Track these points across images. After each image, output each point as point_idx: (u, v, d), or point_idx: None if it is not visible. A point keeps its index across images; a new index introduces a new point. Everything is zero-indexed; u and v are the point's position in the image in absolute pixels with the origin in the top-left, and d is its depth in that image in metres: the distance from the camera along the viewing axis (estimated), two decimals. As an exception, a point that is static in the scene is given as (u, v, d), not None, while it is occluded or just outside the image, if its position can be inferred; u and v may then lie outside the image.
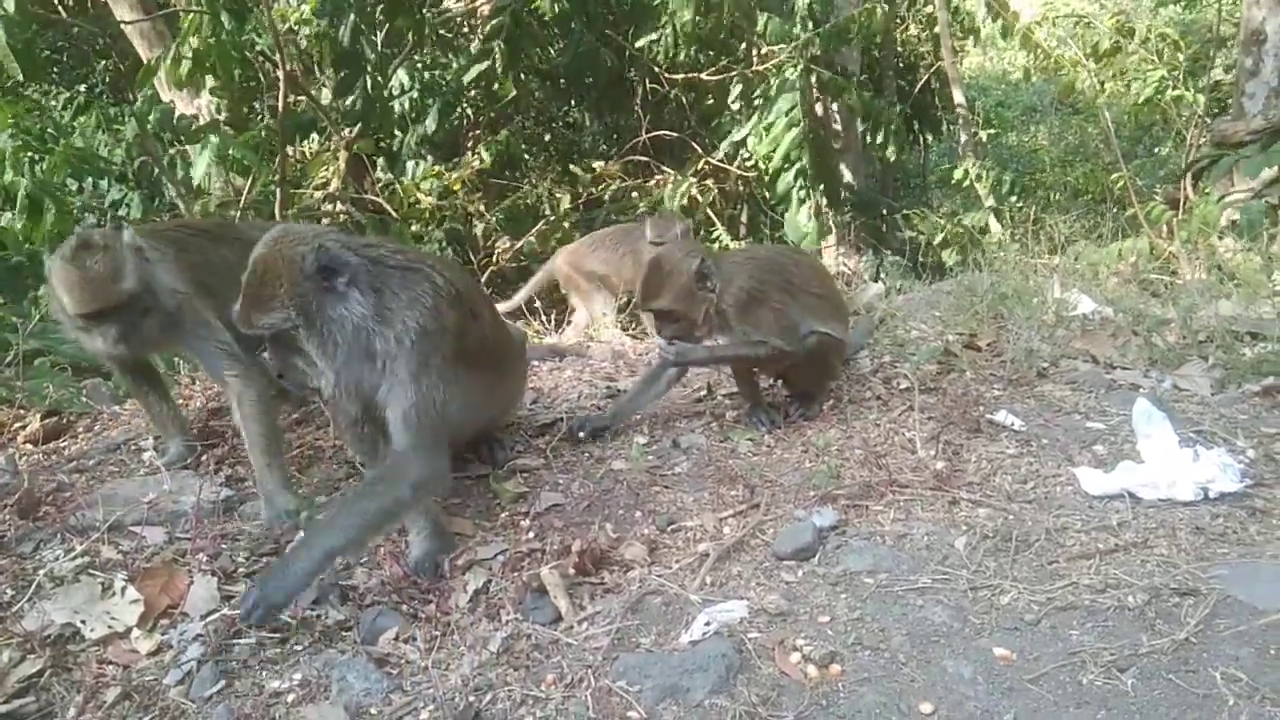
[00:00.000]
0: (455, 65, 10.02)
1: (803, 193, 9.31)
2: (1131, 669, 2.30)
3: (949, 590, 2.69)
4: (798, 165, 9.11)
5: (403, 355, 2.89)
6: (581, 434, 3.92)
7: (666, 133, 10.90)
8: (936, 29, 11.18)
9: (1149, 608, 2.54)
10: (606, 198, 10.43)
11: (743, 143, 9.77)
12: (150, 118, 7.42)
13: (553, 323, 7.70)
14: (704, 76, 10.27)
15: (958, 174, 10.19)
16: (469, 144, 11.07)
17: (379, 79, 9.25)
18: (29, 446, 4.31)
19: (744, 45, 10.56)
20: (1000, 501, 3.19)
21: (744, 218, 11.18)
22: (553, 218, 10.11)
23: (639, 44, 9.67)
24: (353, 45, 8.94)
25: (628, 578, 2.88)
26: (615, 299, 7.19)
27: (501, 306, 7.19)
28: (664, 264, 3.83)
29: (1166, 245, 7.44)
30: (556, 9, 9.78)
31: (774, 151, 8.98)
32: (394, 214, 9.63)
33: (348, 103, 9.21)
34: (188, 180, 7.84)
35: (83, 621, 2.71)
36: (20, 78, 7.35)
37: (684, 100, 11.08)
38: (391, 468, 2.91)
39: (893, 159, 10.09)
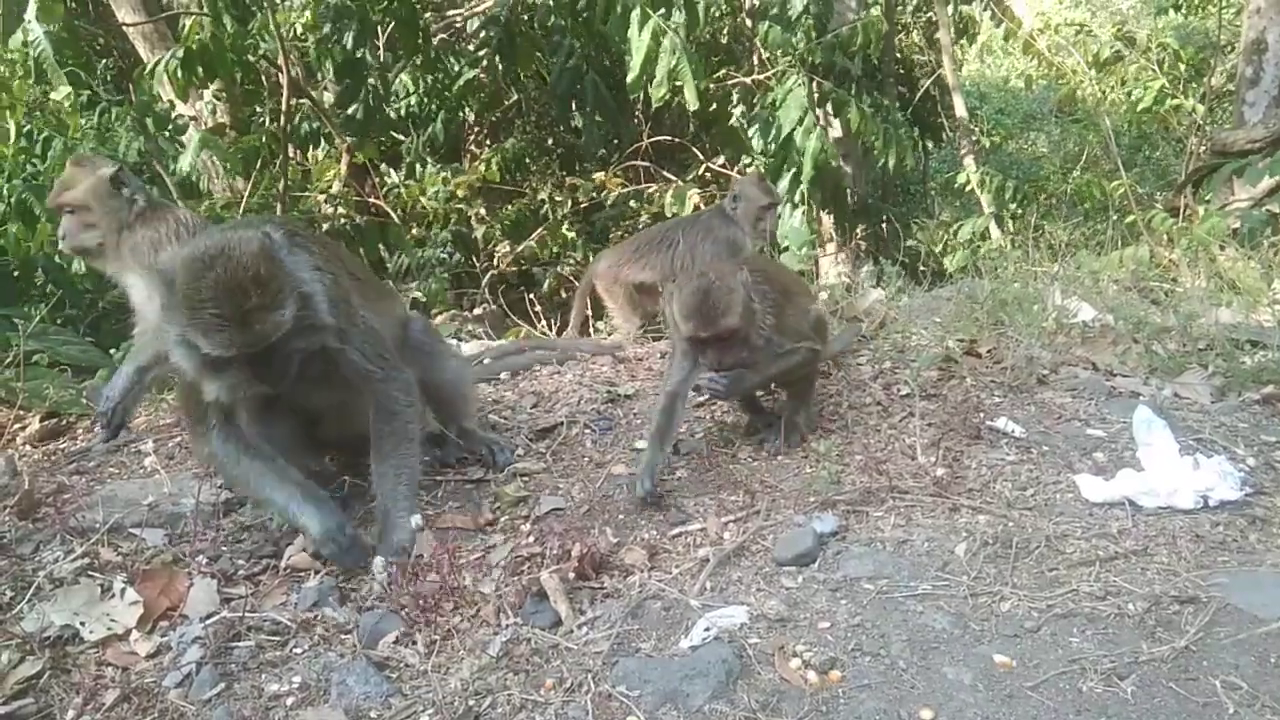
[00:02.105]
0: (455, 70, 10.03)
1: (798, 197, 9.33)
2: (1131, 676, 2.30)
3: (949, 597, 2.69)
4: (794, 170, 9.11)
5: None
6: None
7: (667, 138, 10.91)
8: (937, 35, 11.20)
9: (1149, 615, 2.54)
10: (608, 203, 10.43)
11: (761, 150, 9.73)
12: (147, 118, 7.47)
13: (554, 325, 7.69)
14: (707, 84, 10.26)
15: (961, 179, 10.21)
16: (469, 147, 11.09)
17: (380, 87, 9.26)
18: (29, 448, 4.31)
19: (747, 52, 10.58)
20: (1000, 508, 3.18)
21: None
22: (553, 222, 10.12)
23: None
24: (355, 52, 8.94)
25: (628, 582, 2.87)
26: (663, 308, 6.62)
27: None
28: (719, 283, 3.48)
29: (1167, 253, 7.44)
30: (550, 22, 9.75)
31: (792, 157, 8.90)
32: (395, 218, 9.64)
33: (350, 111, 9.21)
34: (184, 176, 7.87)
35: (82, 623, 2.72)
36: (67, 92, 7.51)
37: (685, 107, 11.08)
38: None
39: (894, 168, 10.06)
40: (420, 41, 9.40)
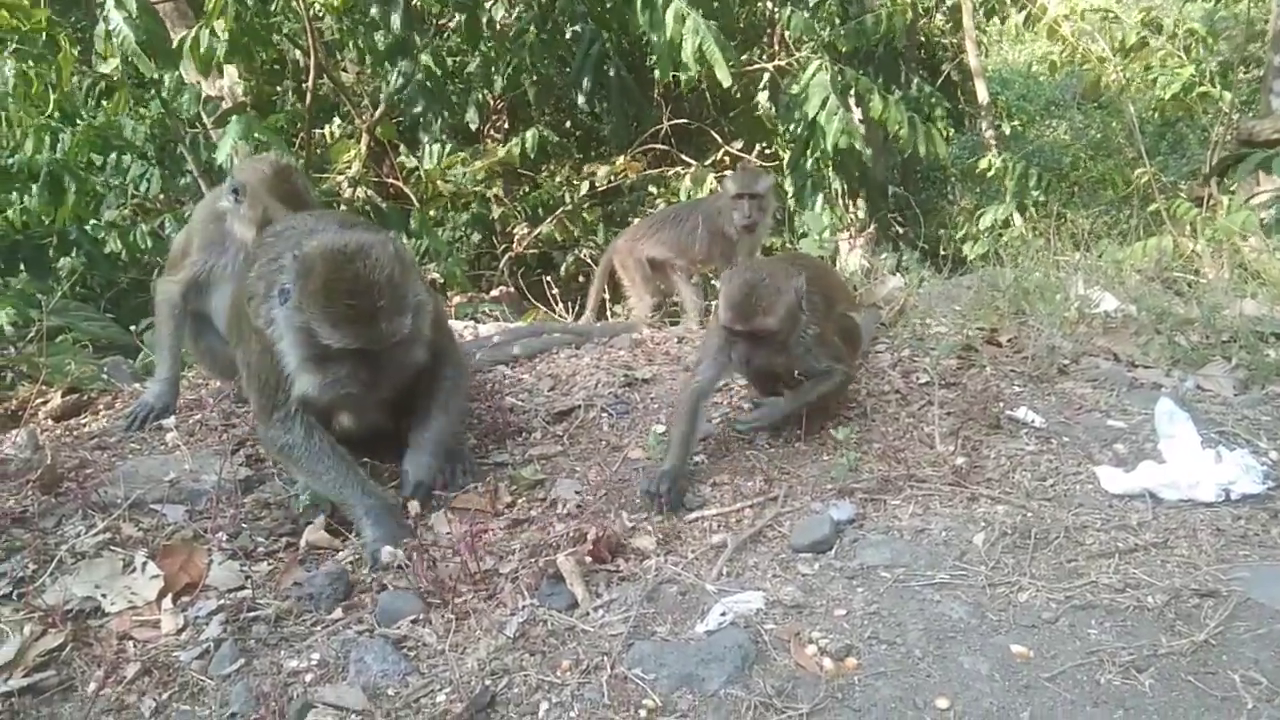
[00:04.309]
0: (481, 53, 9.98)
1: (821, 181, 9.28)
2: (1150, 669, 2.29)
3: (967, 586, 2.68)
4: (817, 155, 9.06)
5: None
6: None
7: (686, 121, 10.85)
8: (961, 18, 11.09)
9: (1168, 608, 2.53)
10: (626, 187, 10.40)
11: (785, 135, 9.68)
12: (179, 100, 7.47)
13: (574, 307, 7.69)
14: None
15: (984, 164, 10.12)
16: (489, 131, 11.06)
17: (432, 66, 9.20)
18: (50, 423, 4.35)
19: (768, 35, 10.52)
20: (1019, 498, 3.17)
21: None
22: (571, 205, 10.11)
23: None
24: (404, 32, 8.90)
25: (644, 566, 2.88)
26: (676, 286, 6.63)
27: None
28: (768, 280, 3.40)
29: (1191, 243, 7.37)
30: (574, 8, 9.71)
31: (816, 141, 8.84)
32: (415, 199, 9.64)
33: (403, 90, 9.14)
34: (210, 161, 7.87)
35: (103, 596, 2.75)
36: (155, 74, 7.53)
37: (705, 90, 11.02)
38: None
39: (924, 154, 9.98)
40: (478, 30, 9.35)
